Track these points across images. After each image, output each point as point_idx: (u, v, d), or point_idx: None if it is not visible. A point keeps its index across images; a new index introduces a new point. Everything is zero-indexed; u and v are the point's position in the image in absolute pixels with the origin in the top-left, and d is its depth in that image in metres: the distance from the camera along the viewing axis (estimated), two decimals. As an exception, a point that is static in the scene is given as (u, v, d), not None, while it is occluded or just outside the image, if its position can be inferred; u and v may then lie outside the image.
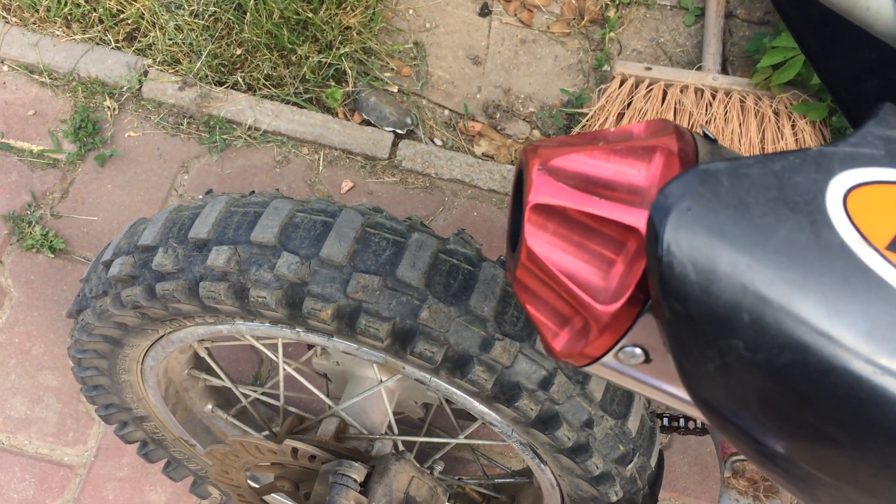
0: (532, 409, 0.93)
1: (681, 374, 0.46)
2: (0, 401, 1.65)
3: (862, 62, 0.64)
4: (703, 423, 1.28)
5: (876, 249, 0.41)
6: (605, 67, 2.08)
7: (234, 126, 1.91)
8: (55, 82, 1.93)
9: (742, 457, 1.05)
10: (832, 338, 0.40)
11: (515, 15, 2.15)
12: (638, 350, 0.51)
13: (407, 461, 1.04)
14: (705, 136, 0.52)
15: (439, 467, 1.10)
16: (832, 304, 0.40)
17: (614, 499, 1.02)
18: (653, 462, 1.06)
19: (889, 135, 0.43)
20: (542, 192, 0.50)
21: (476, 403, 0.98)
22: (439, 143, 1.98)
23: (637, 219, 0.48)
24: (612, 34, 2.11)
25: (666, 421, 1.29)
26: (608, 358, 0.52)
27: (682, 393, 0.52)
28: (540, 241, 0.50)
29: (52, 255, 1.76)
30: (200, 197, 1.02)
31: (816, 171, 0.42)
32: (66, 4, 1.97)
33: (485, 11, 2.15)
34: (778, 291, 0.41)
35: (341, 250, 0.89)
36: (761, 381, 0.43)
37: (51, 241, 1.75)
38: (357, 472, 1.01)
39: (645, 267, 0.47)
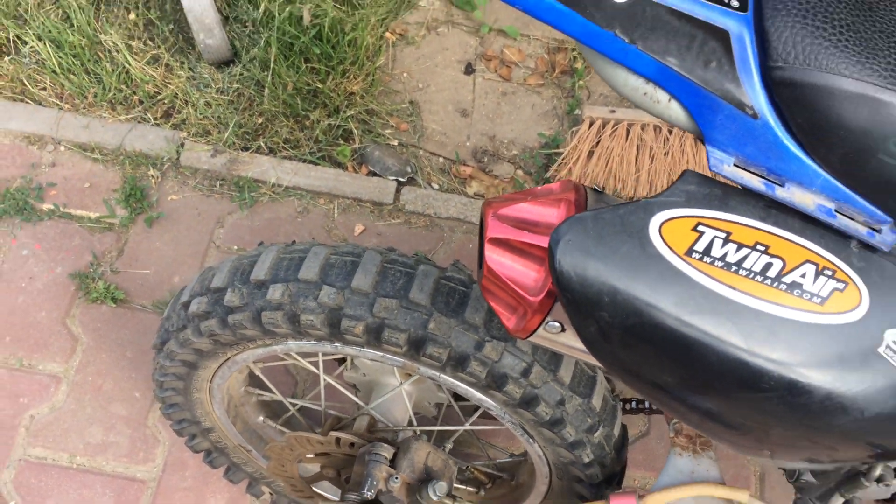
0: (517, 393, 1.21)
1: (580, 337, 0.77)
2: (80, 430, 1.95)
3: None
4: (663, 404, 1.56)
5: (678, 255, 0.71)
6: (577, 112, 2.40)
7: (260, 184, 2.23)
8: (105, 157, 2.26)
9: (681, 420, 1.33)
10: (655, 307, 0.71)
11: (496, 71, 2.48)
12: (557, 324, 0.81)
13: (424, 441, 1.34)
14: (594, 189, 0.83)
15: (450, 446, 1.39)
16: (654, 288, 0.71)
17: (587, 460, 1.31)
18: (616, 432, 1.34)
19: (687, 189, 0.74)
20: (494, 230, 0.81)
21: (475, 392, 1.27)
22: (436, 186, 2.30)
23: None
24: (580, 82, 2.44)
25: (634, 404, 1.57)
26: (540, 331, 0.82)
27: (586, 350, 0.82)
28: (494, 260, 0.81)
29: (114, 305, 2.07)
30: (252, 248, 1.32)
31: (644, 213, 0.72)
32: (109, 90, 2.31)
33: (469, 70, 2.48)
34: (622, 283, 0.71)
35: (367, 281, 1.19)
36: (621, 337, 0.73)
37: (112, 293, 2.07)
38: (387, 451, 1.31)
39: None
